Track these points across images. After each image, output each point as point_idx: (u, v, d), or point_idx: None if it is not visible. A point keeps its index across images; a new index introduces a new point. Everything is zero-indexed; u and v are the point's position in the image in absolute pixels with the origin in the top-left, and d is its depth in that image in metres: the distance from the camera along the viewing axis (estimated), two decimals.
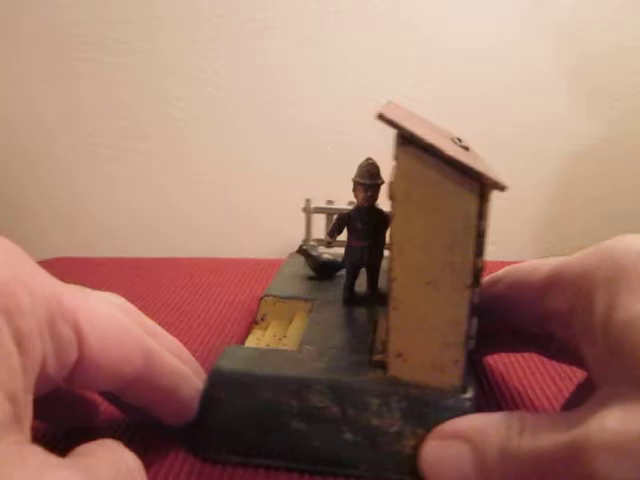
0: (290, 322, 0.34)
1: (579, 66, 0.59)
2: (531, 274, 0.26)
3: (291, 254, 0.44)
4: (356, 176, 0.33)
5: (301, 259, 0.43)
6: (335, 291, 0.36)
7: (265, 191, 0.58)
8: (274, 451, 0.26)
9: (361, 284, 0.35)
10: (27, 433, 0.18)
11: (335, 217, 0.34)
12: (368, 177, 0.32)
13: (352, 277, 0.35)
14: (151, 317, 0.27)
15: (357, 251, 0.34)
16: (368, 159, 0.33)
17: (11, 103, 0.59)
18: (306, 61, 0.58)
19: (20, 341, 0.18)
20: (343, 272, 0.39)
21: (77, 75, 0.58)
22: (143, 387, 0.24)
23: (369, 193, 0.33)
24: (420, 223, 0.24)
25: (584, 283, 0.22)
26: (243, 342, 0.34)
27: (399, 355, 0.26)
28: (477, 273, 0.24)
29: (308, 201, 0.42)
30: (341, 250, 0.41)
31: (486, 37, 0.58)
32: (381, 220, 0.34)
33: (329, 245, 0.36)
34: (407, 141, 0.23)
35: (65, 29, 0.57)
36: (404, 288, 0.25)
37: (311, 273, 0.39)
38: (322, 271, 0.38)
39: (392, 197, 0.25)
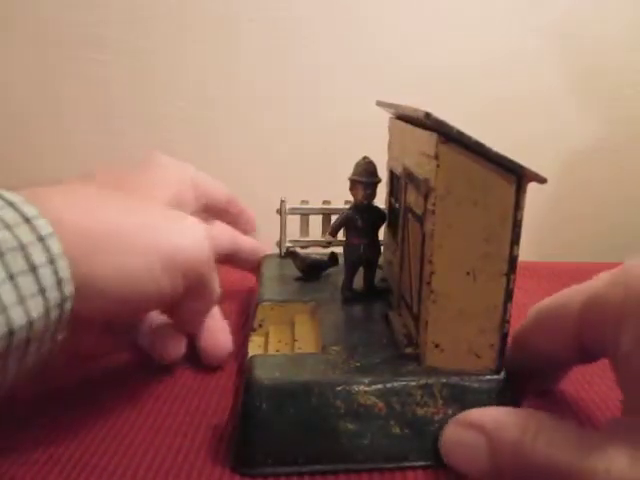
0: (291, 325, 0.34)
1: (579, 66, 0.60)
2: (562, 316, 0.26)
3: (266, 256, 0.43)
4: (354, 174, 0.33)
5: (278, 260, 0.42)
6: (328, 290, 0.36)
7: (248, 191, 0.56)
8: (323, 456, 0.25)
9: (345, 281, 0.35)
10: None
11: (338, 216, 0.34)
12: (366, 175, 0.33)
13: (352, 275, 0.35)
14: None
15: (357, 249, 0.34)
16: (365, 157, 0.33)
17: (6, 102, 0.58)
18: (286, 62, 0.58)
19: None
20: (329, 271, 0.39)
21: (70, 75, 0.58)
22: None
23: (368, 191, 0.33)
24: (459, 216, 0.25)
25: (612, 318, 0.23)
26: (245, 346, 0.33)
27: (437, 345, 0.27)
28: (513, 261, 0.25)
29: (283, 202, 0.41)
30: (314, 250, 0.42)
31: (485, 36, 0.58)
32: (378, 217, 0.35)
33: (329, 244, 0.36)
34: (448, 138, 0.24)
35: (63, 29, 0.57)
36: (443, 280, 0.26)
37: (296, 274, 0.39)
38: (310, 272, 0.38)
39: (429, 193, 0.25)
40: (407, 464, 0.26)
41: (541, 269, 0.52)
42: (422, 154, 0.27)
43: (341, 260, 0.36)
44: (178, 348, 0.32)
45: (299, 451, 0.25)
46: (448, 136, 0.24)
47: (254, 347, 0.33)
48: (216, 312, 0.34)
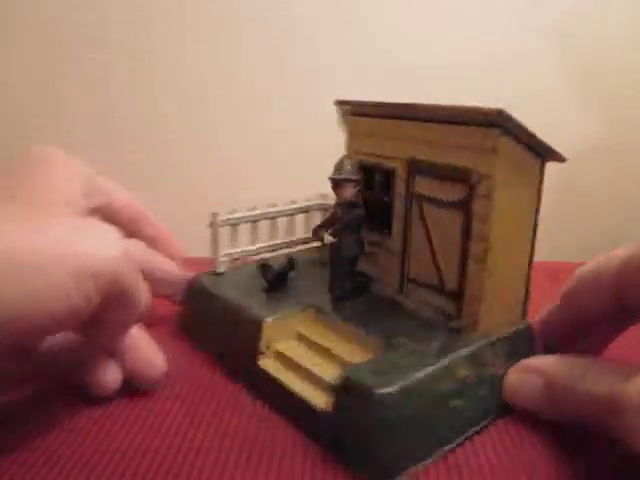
0: (301, 338, 0.32)
1: (579, 66, 0.60)
2: (602, 273, 0.29)
3: (200, 275, 0.38)
4: (344, 173, 0.33)
5: (214, 278, 0.38)
6: (307, 294, 0.35)
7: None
8: (443, 440, 0.26)
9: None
10: None
11: (330, 215, 0.35)
12: (356, 173, 0.33)
13: (344, 273, 0.35)
14: None
15: (351, 245, 0.34)
16: (346, 156, 0.34)
17: (6, 102, 0.59)
18: (286, 63, 0.58)
19: None
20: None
21: (70, 75, 0.58)
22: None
23: (358, 188, 0.34)
24: (506, 197, 0.28)
25: None
26: (255, 370, 0.31)
27: (489, 312, 0.29)
28: (535, 226, 0.30)
29: (214, 215, 0.38)
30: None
31: (485, 36, 0.59)
32: (362, 213, 0.34)
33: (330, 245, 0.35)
34: (506, 131, 0.27)
35: (63, 29, 0.56)
36: (495, 256, 0.29)
37: (257, 285, 0.36)
38: (278, 281, 0.36)
39: (481, 181, 0.28)
40: (488, 422, 0.28)
41: (541, 269, 0.51)
42: (465, 147, 0.29)
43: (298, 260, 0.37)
44: (115, 376, 0.30)
45: (425, 444, 0.26)
46: (507, 129, 0.27)
47: (278, 370, 0.31)
48: (138, 331, 0.31)
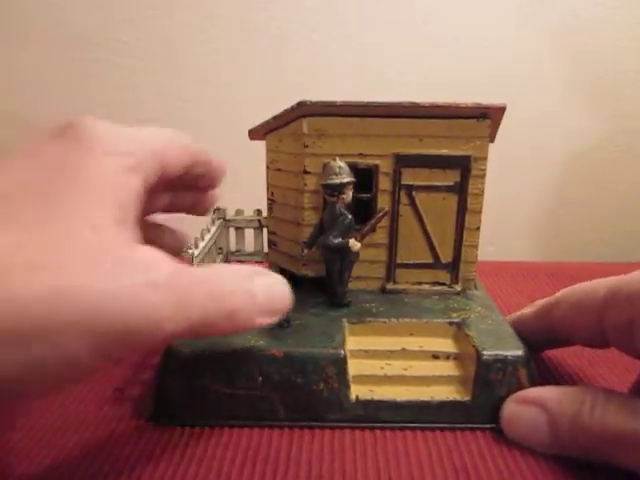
0: (363, 356, 0.31)
1: (579, 65, 0.60)
2: (590, 295, 0.27)
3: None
4: (346, 177, 0.33)
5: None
6: (311, 312, 0.34)
7: None
8: None
9: None
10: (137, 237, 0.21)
11: (347, 222, 0.33)
12: (352, 175, 0.34)
13: (347, 277, 0.35)
14: None
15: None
16: (334, 159, 0.33)
17: (15, 104, 0.61)
18: (286, 63, 0.59)
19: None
20: None
21: (79, 76, 0.60)
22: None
23: (353, 190, 0.34)
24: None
25: None
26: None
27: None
28: None
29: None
30: None
31: (485, 35, 0.58)
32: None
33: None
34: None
35: (68, 30, 0.59)
36: None
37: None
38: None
39: (477, 162, 0.33)
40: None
41: (541, 269, 0.54)
42: (459, 137, 0.33)
43: None
44: None
45: None
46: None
47: (382, 392, 0.29)
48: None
